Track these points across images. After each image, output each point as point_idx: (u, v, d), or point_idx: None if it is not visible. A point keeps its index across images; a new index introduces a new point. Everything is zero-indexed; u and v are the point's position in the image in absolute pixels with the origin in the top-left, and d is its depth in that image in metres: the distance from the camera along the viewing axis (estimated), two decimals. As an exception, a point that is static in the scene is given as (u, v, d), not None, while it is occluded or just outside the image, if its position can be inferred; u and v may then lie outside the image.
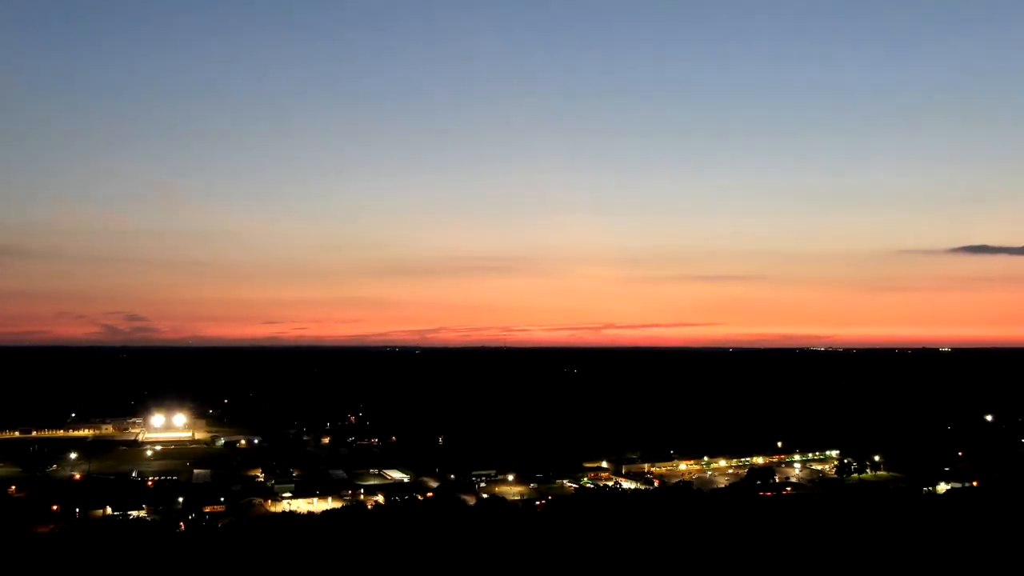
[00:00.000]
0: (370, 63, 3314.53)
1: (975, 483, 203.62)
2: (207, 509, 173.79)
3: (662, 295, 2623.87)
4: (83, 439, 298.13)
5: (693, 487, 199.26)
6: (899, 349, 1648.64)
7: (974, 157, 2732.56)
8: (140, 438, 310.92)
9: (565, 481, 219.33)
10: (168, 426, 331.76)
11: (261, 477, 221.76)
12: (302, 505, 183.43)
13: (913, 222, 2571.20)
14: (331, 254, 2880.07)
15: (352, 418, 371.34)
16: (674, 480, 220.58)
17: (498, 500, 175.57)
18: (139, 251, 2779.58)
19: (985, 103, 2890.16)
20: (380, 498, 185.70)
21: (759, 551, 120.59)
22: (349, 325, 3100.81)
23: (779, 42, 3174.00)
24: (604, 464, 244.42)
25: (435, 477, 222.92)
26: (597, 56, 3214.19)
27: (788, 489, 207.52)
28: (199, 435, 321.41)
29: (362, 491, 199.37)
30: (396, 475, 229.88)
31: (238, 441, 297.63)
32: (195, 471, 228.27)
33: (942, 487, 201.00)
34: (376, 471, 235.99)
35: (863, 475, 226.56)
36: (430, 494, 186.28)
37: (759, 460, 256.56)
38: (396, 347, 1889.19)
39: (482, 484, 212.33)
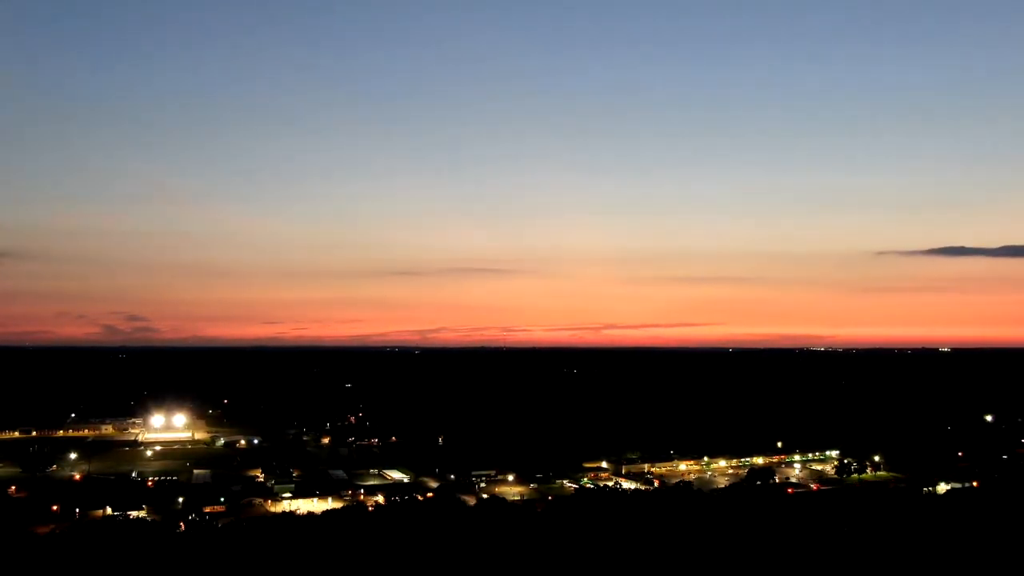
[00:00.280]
0: (371, 64, 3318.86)
1: (975, 483, 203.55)
2: (207, 509, 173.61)
3: (662, 295, 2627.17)
4: (83, 439, 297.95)
5: (693, 487, 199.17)
6: (899, 349, 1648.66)
7: (951, 159, 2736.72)
8: (140, 438, 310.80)
9: (565, 481, 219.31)
10: (168, 426, 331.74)
11: (261, 477, 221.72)
12: (302, 505, 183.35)
13: (894, 223, 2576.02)
14: (331, 254, 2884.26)
15: (352, 418, 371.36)
16: (674, 480, 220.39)
17: (498, 500, 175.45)
18: (139, 251, 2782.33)
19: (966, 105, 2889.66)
20: (380, 498, 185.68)
21: (759, 551, 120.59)
22: (349, 325, 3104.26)
23: (779, 44, 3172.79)
24: (604, 464, 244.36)
25: (435, 477, 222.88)
26: (597, 57, 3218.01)
27: (789, 490, 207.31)
28: (199, 435, 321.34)
29: (362, 491, 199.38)
30: (396, 475, 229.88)
31: (238, 441, 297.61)
32: (195, 471, 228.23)
33: (942, 487, 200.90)
34: (376, 471, 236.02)
35: (863, 475, 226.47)
36: (430, 494, 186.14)
37: (759, 460, 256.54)
38: (396, 347, 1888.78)
39: (482, 484, 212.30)
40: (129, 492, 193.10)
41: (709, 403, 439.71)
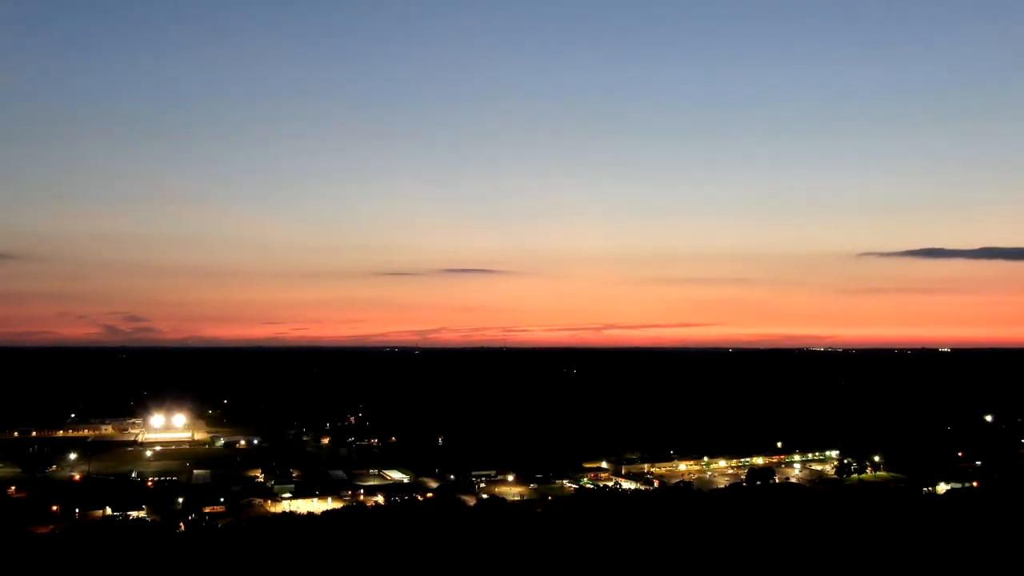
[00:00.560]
0: (371, 65, 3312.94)
1: (975, 483, 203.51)
2: (207, 509, 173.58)
3: (662, 296, 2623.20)
4: (83, 439, 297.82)
5: (693, 487, 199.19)
6: (898, 349, 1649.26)
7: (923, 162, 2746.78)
8: (140, 438, 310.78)
9: (565, 481, 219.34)
10: (168, 426, 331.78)
11: (261, 478, 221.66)
12: (302, 505, 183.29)
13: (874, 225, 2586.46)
14: (331, 255, 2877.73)
15: (352, 418, 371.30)
16: (674, 480, 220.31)
17: (498, 501, 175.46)
18: (140, 252, 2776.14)
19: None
20: (380, 499, 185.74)
21: (759, 552, 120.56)
22: (349, 325, 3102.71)
23: (777, 46, 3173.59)
24: (604, 464, 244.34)
25: (435, 478, 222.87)
26: (598, 58, 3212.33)
27: (789, 490, 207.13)
28: (199, 435, 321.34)
29: (362, 492, 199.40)
30: (396, 475, 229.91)
31: (238, 441, 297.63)
32: (195, 471, 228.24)
33: (942, 487, 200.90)
34: (376, 471, 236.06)
35: (863, 475, 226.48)
36: (430, 495, 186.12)
37: (759, 460, 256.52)
38: (396, 348, 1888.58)
39: (482, 484, 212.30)
40: (129, 492, 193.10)
41: (709, 403, 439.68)
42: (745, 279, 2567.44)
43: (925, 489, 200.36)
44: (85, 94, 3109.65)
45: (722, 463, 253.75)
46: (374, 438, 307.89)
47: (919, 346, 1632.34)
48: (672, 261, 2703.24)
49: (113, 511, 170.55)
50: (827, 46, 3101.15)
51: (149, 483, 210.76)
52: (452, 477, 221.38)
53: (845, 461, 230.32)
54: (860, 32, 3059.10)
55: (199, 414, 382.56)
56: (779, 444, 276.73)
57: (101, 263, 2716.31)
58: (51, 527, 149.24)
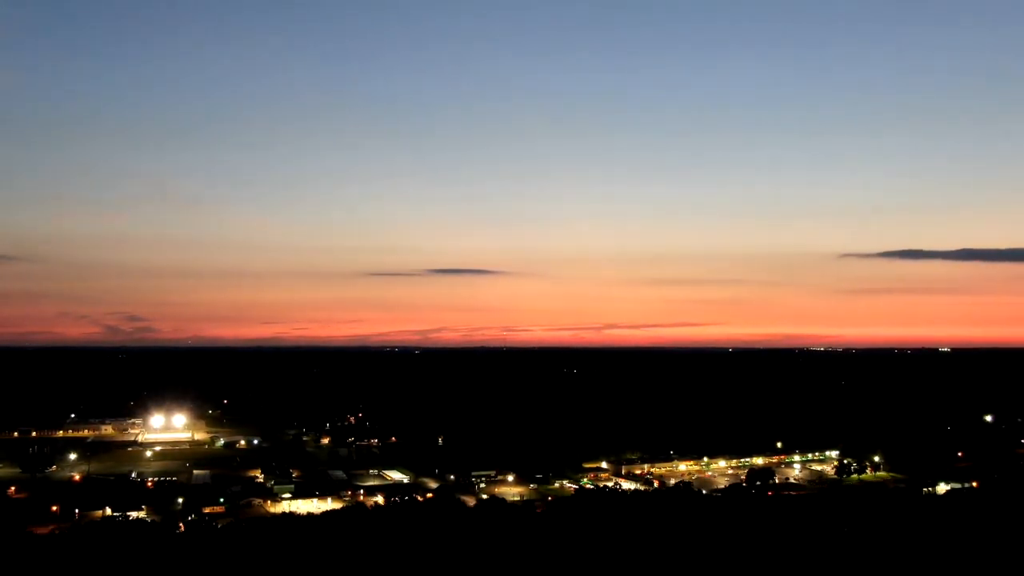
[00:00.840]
0: (372, 65, 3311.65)
1: (975, 483, 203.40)
2: (207, 510, 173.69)
3: (663, 295, 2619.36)
4: (82, 440, 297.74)
5: (693, 488, 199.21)
6: (898, 349, 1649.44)
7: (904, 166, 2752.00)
8: (140, 439, 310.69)
9: (565, 482, 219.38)
10: (168, 427, 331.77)
11: (261, 478, 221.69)
12: (301, 506, 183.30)
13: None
14: (331, 255, 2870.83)
15: (352, 419, 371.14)
16: (674, 481, 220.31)
17: (498, 501, 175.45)
18: (140, 252, 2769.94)
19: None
20: (380, 499, 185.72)
21: (759, 552, 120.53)
22: (349, 325, 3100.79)
23: (776, 47, 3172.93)
24: (604, 465, 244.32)
25: (435, 478, 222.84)
26: (598, 60, 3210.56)
27: (789, 491, 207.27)
28: (199, 436, 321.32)
29: (362, 492, 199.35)
30: (396, 476, 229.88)
31: (238, 442, 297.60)
32: (195, 472, 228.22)
33: (942, 487, 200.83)
34: (376, 472, 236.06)
35: (863, 475, 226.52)
36: (430, 495, 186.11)
37: (759, 460, 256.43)
38: (396, 348, 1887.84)
39: (482, 485, 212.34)
40: (129, 493, 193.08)
41: (709, 403, 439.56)
42: (746, 279, 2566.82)
43: (925, 489, 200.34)
44: (85, 94, 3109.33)
45: (722, 463, 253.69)
46: (374, 438, 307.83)
47: (918, 346, 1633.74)
48: (672, 261, 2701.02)
49: (113, 511, 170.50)
50: (809, 50, 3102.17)
51: (149, 483, 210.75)
52: (452, 477, 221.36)
53: (845, 461, 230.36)
54: (838, 37, 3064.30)
55: (199, 414, 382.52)
56: (779, 444, 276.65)
57: (101, 263, 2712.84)
58: (51, 527, 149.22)
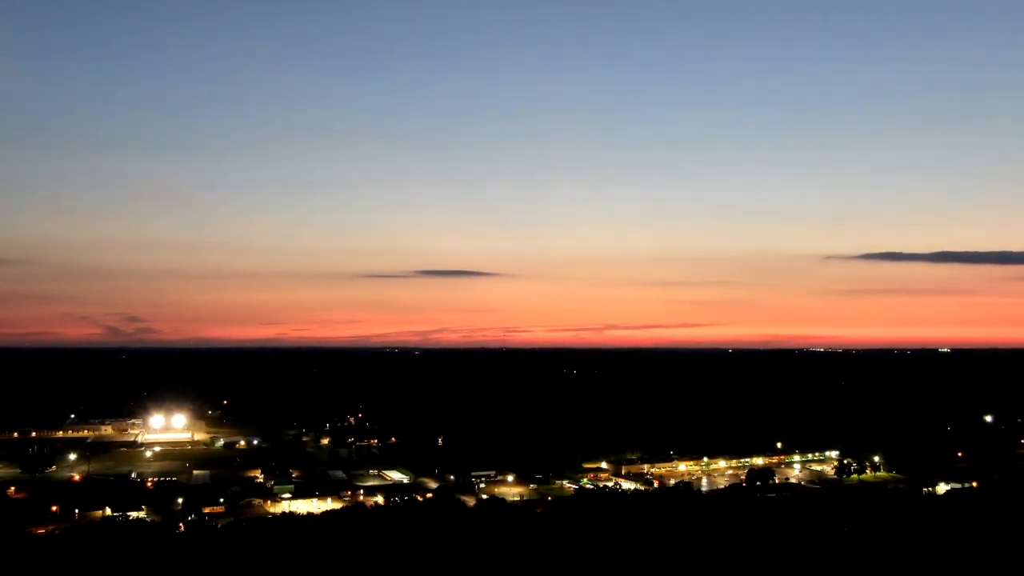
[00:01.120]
0: (376, 69, 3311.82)
1: (975, 483, 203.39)
2: (206, 510, 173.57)
3: (663, 296, 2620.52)
4: (82, 440, 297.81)
5: (693, 488, 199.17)
6: (898, 350, 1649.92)
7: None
8: (139, 439, 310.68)
9: (565, 482, 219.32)
10: (167, 427, 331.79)
11: (260, 478, 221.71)
12: (301, 506, 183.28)
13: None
14: (331, 256, 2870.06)
15: (352, 419, 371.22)
16: (673, 481, 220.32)
17: (497, 501, 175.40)
18: (141, 254, 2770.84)
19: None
20: (380, 499, 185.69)
21: (759, 552, 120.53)
22: (349, 326, 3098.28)
23: (770, 52, 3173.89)
24: (604, 465, 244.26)
25: (435, 478, 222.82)
26: (596, 61, 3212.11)
27: (789, 491, 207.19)
28: (198, 436, 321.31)
29: (362, 492, 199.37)
30: (396, 476, 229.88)
31: (238, 442, 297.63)
32: (194, 472, 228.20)
33: (942, 487, 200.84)
34: (376, 472, 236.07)
35: (863, 475, 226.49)
36: (430, 495, 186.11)
37: (759, 461, 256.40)
38: (396, 348, 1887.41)
39: (481, 485, 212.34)
40: (129, 493, 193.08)
41: (709, 403, 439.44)
42: (746, 281, 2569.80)
43: (925, 489, 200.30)
44: (86, 97, 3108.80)
45: (722, 463, 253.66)
46: (374, 438, 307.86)
47: (918, 346, 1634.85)
48: (672, 262, 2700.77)
49: (113, 511, 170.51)
50: (801, 56, 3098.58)
51: (149, 484, 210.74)
52: (452, 477, 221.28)
53: (845, 461, 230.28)
54: (822, 43, 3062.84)
55: (199, 415, 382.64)
56: (779, 444, 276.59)
57: (102, 265, 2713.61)
58: (51, 527, 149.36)
